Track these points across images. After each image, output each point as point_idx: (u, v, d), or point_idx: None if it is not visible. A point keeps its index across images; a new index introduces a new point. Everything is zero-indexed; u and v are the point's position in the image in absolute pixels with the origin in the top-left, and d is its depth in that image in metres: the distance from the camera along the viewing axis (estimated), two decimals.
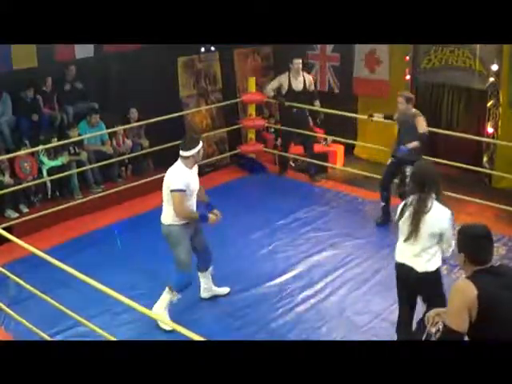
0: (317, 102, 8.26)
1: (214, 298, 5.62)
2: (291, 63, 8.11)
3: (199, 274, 5.56)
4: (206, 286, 5.59)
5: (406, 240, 4.23)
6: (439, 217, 4.18)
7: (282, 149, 8.67)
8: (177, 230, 5.04)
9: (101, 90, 8.38)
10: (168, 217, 5.05)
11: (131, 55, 8.06)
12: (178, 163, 5.04)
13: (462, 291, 2.91)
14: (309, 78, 8.34)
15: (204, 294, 5.61)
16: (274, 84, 8.40)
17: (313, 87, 8.36)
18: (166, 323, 4.73)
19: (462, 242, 3.05)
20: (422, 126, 6.53)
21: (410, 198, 4.26)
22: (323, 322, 5.27)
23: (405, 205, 4.28)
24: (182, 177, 4.93)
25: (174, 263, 5.21)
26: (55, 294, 5.04)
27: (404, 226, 4.25)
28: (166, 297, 5.16)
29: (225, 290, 5.66)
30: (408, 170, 6.41)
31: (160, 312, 5.05)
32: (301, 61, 8.17)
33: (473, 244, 3.01)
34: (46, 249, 5.53)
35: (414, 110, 6.72)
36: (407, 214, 4.22)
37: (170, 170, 5.07)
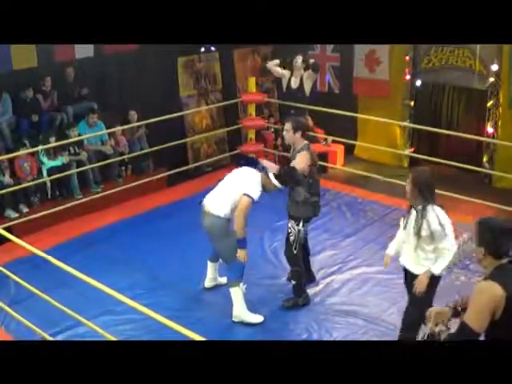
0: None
1: (214, 298, 5.63)
2: (293, 60, 8.04)
3: (209, 263, 5.66)
4: (213, 276, 5.69)
5: None
6: None
7: (282, 149, 8.65)
8: (226, 223, 5.09)
9: (100, 90, 8.38)
10: (220, 208, 5.06)
11: (131, 55, 8.06)
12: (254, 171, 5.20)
13: (488, 292, 2.89)
14: (306, 73, 8.04)
15: (208, 284, 5.71)
16: (280, 70, 8.18)
17: (311, 62, 8.02)
18: (253, 318, 5.19)
19: (483, 234, 3.02)
20: (301, 161, 5.17)
21: None
22: (323, 322, 5.27)
23: None
24: (260, 188, 5.08)
25: (224, 257, 5.27)
26: (55, 294, 5.04)
27: None
28: (237, 293, 5.20)
29: (225, 279, 5.72)
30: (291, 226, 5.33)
31: (243, 312, 5.21)
32: (300, 57, 8.06)
33: (495, 237, 2.97)
34: (46, 249, 5.53)
35: (304, 142, 5.33)
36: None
37: (248, 172, 5.19)
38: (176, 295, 5.66)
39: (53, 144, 7.18)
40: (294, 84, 8.08)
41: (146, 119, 8.01)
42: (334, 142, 9.03)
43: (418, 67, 8.63)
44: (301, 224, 5.32)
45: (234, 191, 5.07)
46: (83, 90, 8.13)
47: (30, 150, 7.11)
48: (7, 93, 7.43)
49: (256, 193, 5.03)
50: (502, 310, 2.85)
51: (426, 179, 4.25)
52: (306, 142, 5.39)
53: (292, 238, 5.34)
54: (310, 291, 5.66)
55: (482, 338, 2.95)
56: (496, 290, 2.87)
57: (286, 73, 8.17)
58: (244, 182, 5.10)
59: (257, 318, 5.24)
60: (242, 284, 5.22)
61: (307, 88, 8.05)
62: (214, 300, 5.61)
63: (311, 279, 5.79)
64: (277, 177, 5.12)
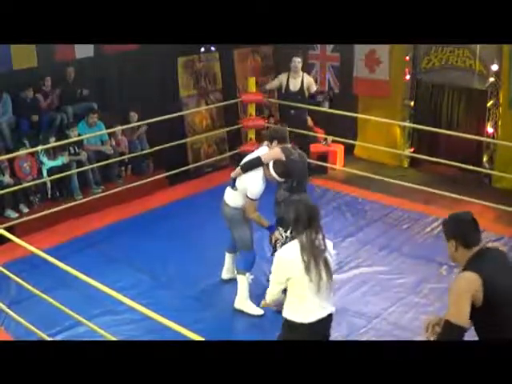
0: (325, 104, 8.18)
1: (214, 298, 5.63)
2: (291, 62, 8.07)
3: (227, 254, 5.74)
4: (230, 266, 5.76)
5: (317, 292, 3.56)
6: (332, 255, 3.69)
7: None
8: (241, 214, 5.21)
9: (100, 90, 8.38)
10: (236, 200, 5.23)
11: (131, 55, 8.07)
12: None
13: (463, 282, 2.97)
14: (308, 78, 8.21)
15: (226, 275, 5.79)
16: (274, 83, 8.34)
17: (314, 88, 8.20)
18: (254, 310, 5.25)
19: (450, 228, 3.15)
20: (271, 153, 5.18)
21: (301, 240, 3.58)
22: None
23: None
24: (261, 183, 5.10)
25: (238, 245, 5.39)
26: (55, 294, 5.04)
27: (307, 276, 3.52)
28: (243, 282, 5.34)
29: None
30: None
31: (245, 303, 5.34)
32: (299, 59, 8.09)
33: (461, 227, 3.11)
34: (46, 249, 5.53)
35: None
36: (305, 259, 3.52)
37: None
38: (176, 295, 5.65)
39: (53, 144, 7.18)
40: (294, 87, 8.09)
41: (146, 119, 8.01)
42: (333, 141, 9.03)
43: (418, 67, 8.63)
44: (289, 231, 5.06)
45: (241, 185, 5.19)
46: (84, 91, 8.12)
47: (30, 150, 7.11)
48: (7, 93, 7.43)
49: (257, 191, 5.09)
50: (483, 296, 2.91)
51: (298, 210, 3.65)
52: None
53: (279, 246, 5.09)
54: None
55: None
56: (471, 277, 2.94)
57: (283, 76, 8.17)
58: (248, 178, 5.14)
59: (257, 311, 5.29)
60: (248, 274, 5.32)
61: (307, 90, 8.09)
62: (214, 300, 5.61)
63: None
64: (242, 169, 5.15)
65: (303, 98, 8.10)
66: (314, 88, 8.19)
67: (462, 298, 2.92)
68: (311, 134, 8.67)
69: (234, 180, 5.26)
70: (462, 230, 3.10)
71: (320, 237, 3.61)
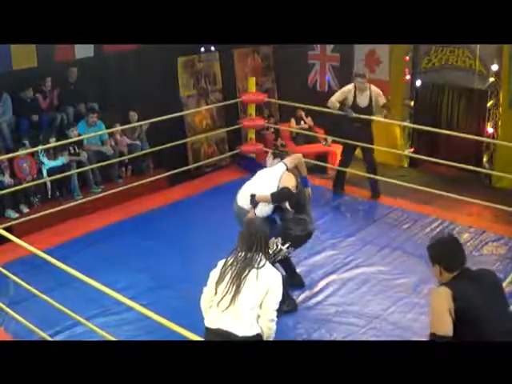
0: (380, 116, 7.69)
1: None
2: (355, 80, 7.54)
3: None
4: None
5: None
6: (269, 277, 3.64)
7: (340, 165, 8.01)
8: (245, 214, 5.21)
9: (100, 90, 8.38)
10: (245, 204, 5.29)
11: (131, 55, 8.07)
12: None
13: (438, 295, 3.05)
14: (376, 91, 7.52)
15: None
16: (338, 96, 7.65)
17: (383, 100, 7.53)
18: None
19: (435, 253, 3.21)
20: (290, 181, 5.26)
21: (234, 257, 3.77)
22: (323, 322, 5.27)
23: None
24: (268, 210, 5.30)
25: None
26: (55, 294, 5.04)
27: (214, 288, 3.77)
28: None
29: None
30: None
31: None
32: (362, 79, 7.45)
33: (444, 253, 3.17)
34: (46, 249, 5.52)
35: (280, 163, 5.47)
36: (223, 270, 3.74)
37: (268, 184, 5.31)
38: (176, 295, 5.65)
39: (53, 144, 7.18)
40: (362, 103, 7.53)
41: (146, 119, 8.01)
42: (333, 142, 9.03)
43: (418, 67, 8.63)
44: (285, 246, 5.20)
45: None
46: (89, 104, 8.15)
47: (30, 150, 7.11)
48: (7, 93, 7.43)
49: (264, 214, 5.24)
50: (454, 310, 2.95)
51: (248, 229, 3.87)
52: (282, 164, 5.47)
53: (270, 252, 5.03)
54: (310, 291, 5.66)
55: None
56: (442, 290, 3.03)
57: (347, 91, 7.60)
58: (263, 204, 5.27)
59: None
60: None
61: (377, 104, 7.59)
62: None
63: (300, 284, 5.71)
64: (273, 200, 5.21)
65: (371, 113, 7.58)
66: (382, 101, 7.52)
67: (440, 309, 2.98)
68: (311, 134, 8.68)
69: (253, 196, 5.24)
70: (445, 255, 3.16)
71: (257, 259, 3.67)
